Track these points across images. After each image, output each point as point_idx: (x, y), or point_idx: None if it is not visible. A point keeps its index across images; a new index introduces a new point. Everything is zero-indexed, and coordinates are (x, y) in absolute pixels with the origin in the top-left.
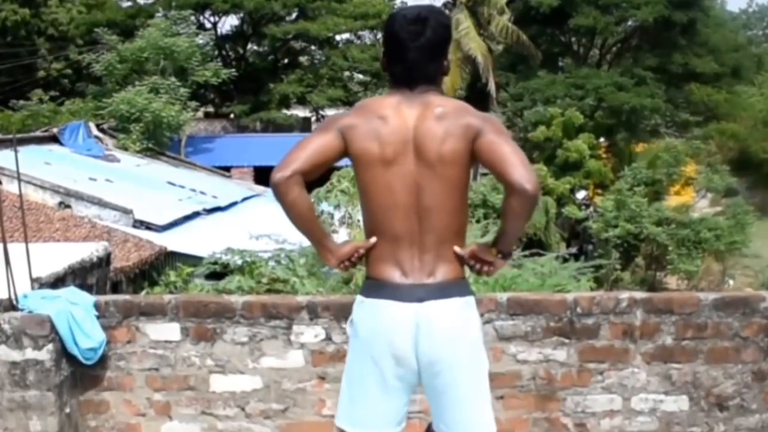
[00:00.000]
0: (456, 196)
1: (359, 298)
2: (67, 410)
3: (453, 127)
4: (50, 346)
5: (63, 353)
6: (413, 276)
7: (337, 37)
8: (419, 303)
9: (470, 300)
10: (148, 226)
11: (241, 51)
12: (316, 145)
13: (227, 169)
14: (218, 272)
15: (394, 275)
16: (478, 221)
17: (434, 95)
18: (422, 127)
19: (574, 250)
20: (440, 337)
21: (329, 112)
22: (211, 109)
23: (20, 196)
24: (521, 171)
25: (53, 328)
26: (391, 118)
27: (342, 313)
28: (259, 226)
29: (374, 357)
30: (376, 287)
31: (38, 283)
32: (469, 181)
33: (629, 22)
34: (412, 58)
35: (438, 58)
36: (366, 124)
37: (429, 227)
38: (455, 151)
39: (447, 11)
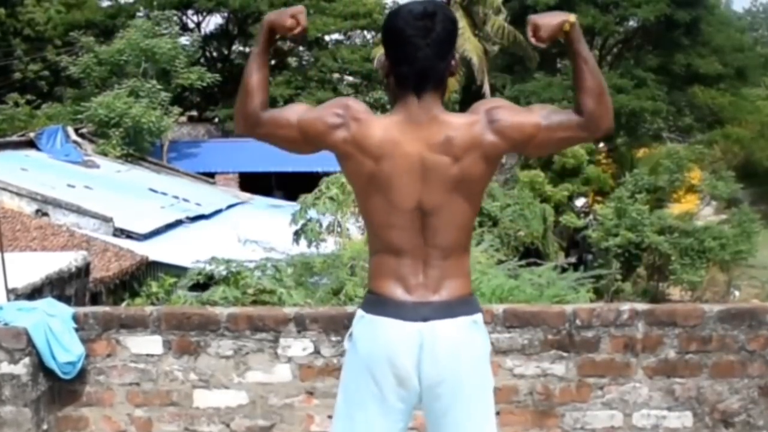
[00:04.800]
0: (466, 214)
1: (360, 312)
2: (45, 427)
3: (469, 154)
4: (27, 360)
5: (40, 367)
6: (417, 293)
7: (327, 38)
8: (423, 322)
9: (478, 318)
10: (128, 235)
11: (226, 51)
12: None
13: (211, 175)
14: (202, 283)
15: (397, 291)
16: (473, 229)
17: (442, 113)
18: (432, 158)
19: (573, 259)
20: (444, 359)
21: (311, 105)
22: (194, 112)
23: None
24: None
25: (30, 341)
26: (394, 149)
27: (331, 325)
28: (245, 235)
29: (374, 376)
30: (378, 303)
31: (14, 294)
32: (484, 194)
33: (630, 22)
34: (422, 57)
35: (447, 56)
36: (362, 154)
37: (434, 242)
38: (471, 179)
39: None
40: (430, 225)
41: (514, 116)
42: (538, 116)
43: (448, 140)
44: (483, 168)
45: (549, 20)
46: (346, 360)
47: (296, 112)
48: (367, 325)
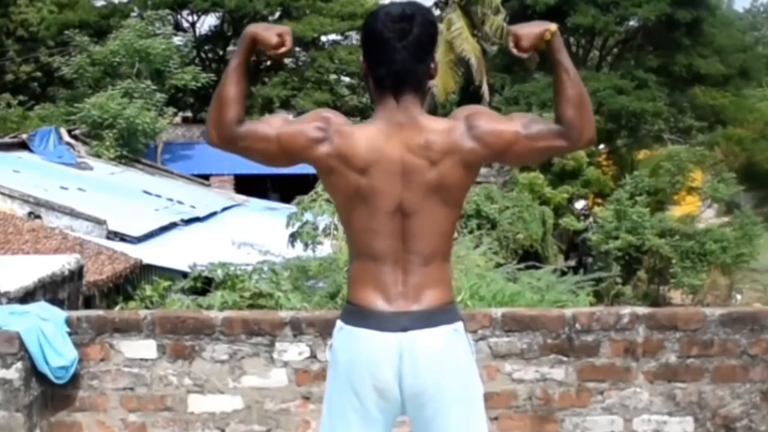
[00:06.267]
0: (445, 220)
1: (339, 323)
2: None
3: (447, 159)
4: (19, 365)
5: (33, 372)
6: (397, 303)
7: (323, 38)
8: (403, 332)
9: (459, 326)
10: (122, 238)
11: (221, 52)
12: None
13: (206, 177)
14: (198, 287)
15: (377, 302)
16: (471, 232)
17: (422, 116)
18: (411, 161)
19: (572, 262)
20: (425, 369)
21: (287, 117)
22: (189, 113)
23: None
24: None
25: (22, 345)
26: (379, 157)
27: (327, 329)
28: (240, 238)
29: (355, 388)
30: (356, 314)
31: (6, 298)
32: (465, 198)
33: (630, 22)
34: (398, 60)
35: (425, 59)
36: (347, 167)
37: (414, 248)
38: (448, 185)
39: (439, 11)
40: (410, 229)
41: (493, 123)
42: (518, 124)
43: (428, 144)
44: (461, 174)
45: (530, 30)
46: (328, 371)
47: (274, 125)
48: (346, 337)
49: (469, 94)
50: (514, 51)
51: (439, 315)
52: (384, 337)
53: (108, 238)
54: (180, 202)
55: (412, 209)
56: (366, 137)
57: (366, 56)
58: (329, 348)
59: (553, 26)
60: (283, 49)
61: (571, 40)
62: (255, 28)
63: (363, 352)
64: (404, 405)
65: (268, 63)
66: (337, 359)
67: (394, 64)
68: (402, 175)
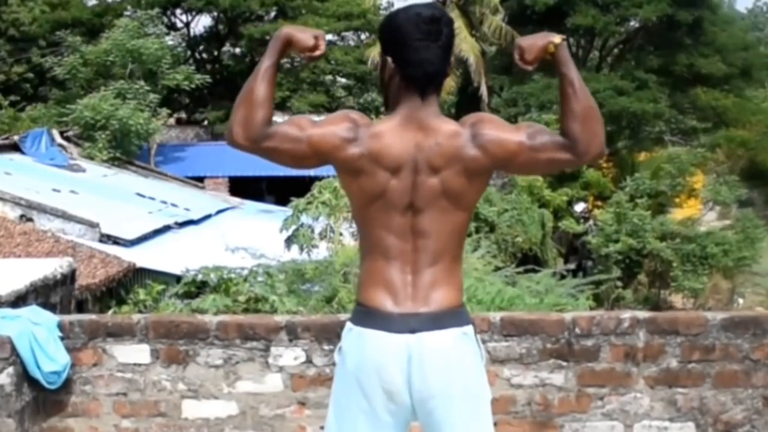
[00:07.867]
0: (455, 221)
1: (348, 325)
2: None
3: (449, 167)
4: (11, 370)
5: (24, 377)
6: (406, 304)
7: None
8: (411, 334)
9: (468, 329)
10: (115, 241)
11: (216, 53)
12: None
13: (200, 179)
14: (192, 291)
15: (386, 303)
16: (469, 235)
17: (437, 117)
18: (420, 162)
19: (572, 266)
20: (434, 372)
21: (311, 118)
22: (183, 115)
23: None
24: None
25: (14, 350)
26: (392, 146)
27: (324, 333)
28: (235, 241)
29: (364, 390)
30: (366, 315)
31: None
32: (478, 199)
33: (631, 22)
34: (433, 60)
35: (449, 59)
36: (380, 168)
37: (424, 245)
38: (451, 192)
39: None
40: (420, 227)
41: (498, 132)
42: (524, 135)
43: (434, 147)
44: (464, 182)
45: (533, 42)
46: (336, 373)
47: (302, 126)
48: (355, 338)
49: (467, 95)
50: (519, 64)
51: (448, 317)
52: (392, 339)
53: (101, 241)
54: (174, 205)
55: (422, 207)
56: (392, 135)
57: (394, 56)
58: (338, 349)
59: (558, 38)
60: (318, 52)
61: (571, 40)
62: (290, 30)
63: (371, 354)
64: (414, 409)
65: None
66: (345, 361)
67: (428, 65)
68: (413, 172)
